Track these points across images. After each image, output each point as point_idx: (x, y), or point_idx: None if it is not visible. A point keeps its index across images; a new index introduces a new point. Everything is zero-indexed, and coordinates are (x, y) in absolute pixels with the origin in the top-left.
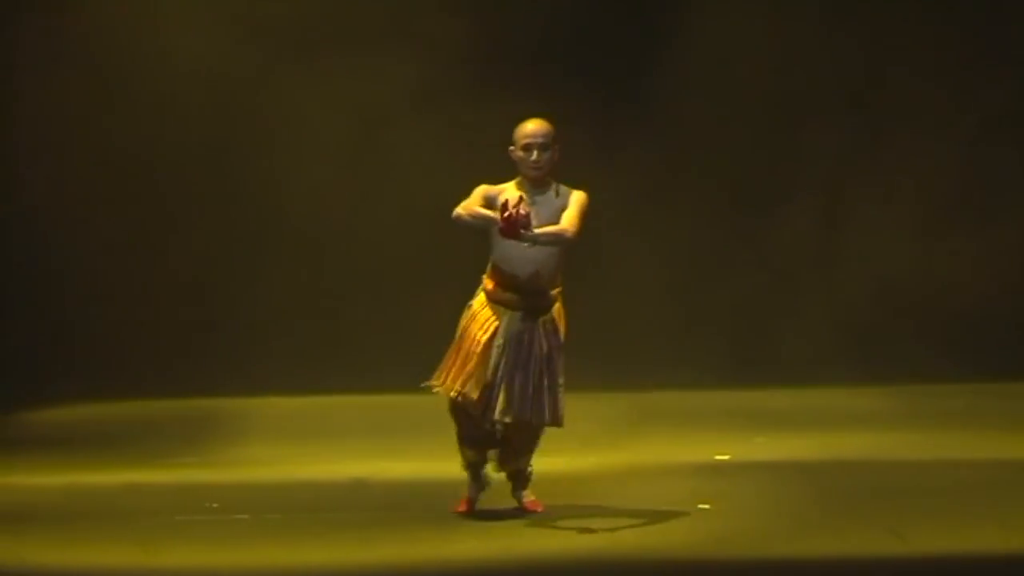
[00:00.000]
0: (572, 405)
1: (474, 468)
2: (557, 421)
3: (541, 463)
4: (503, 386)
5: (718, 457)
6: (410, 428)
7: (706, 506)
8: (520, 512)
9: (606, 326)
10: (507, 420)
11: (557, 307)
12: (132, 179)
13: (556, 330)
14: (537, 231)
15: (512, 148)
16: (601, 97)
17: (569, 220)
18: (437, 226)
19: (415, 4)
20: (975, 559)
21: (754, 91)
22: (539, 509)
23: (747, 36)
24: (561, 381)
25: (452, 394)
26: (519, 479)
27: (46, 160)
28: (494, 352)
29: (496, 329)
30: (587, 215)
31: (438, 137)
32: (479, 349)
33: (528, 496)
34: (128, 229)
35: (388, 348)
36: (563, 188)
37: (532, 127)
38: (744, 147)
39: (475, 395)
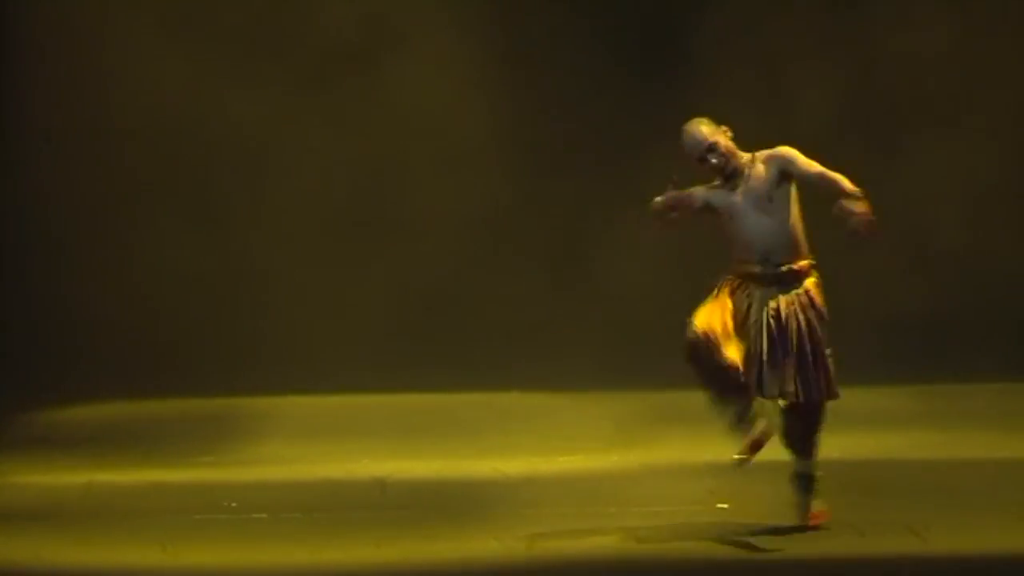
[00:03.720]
0: (588, 405)
1: (740, 416)
2: (832, 394)
3: (557, 464)
4: (769, 365)
5: (736, 457)
6: (430, 428)
7: (725, 505)
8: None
9: (621, 325)
10: (782, 401)
11: (811, 280)
12: (145, 174)
13: (812, 302)
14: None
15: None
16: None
17: (820, 172)
18: (454, 229)
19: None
20: (995, 558)
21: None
22: (821, 521)
23: None
24: (828, 352)
25: (698, 331)
26: (801, 483)
27: (49, 157)
28: (752, 327)
29: (751, 304)
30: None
31: (437, 147)
32: (738, 313)
33: (815, 506)
34: (145, 225)
35: (408, 348)
36: (763, 154)
37: (695, 139)
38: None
39: (718, 342)
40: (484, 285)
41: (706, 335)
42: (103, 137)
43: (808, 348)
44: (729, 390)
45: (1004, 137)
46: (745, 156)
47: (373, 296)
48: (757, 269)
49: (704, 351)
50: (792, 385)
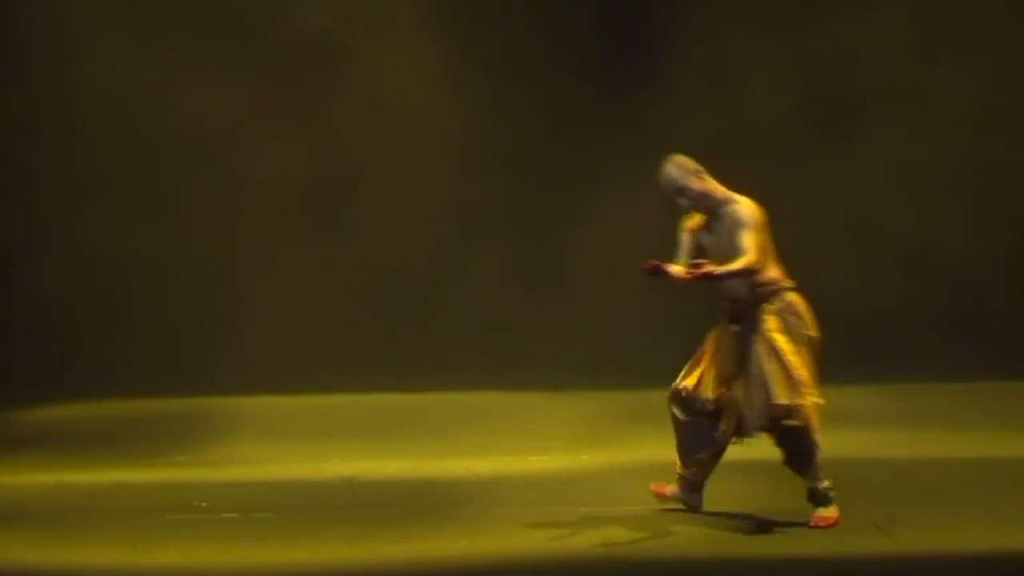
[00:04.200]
0: (558, 404)
1: (689, 483)
2: (781, 411)
3: (527, 464)
4: (746, 400)
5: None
6: (400, 428)
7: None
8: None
9: (591, 324)
10: (747, 431)
11: (771, 307)
12: (112, 172)
13: (768, 330)
14: (719, 269)
15: None
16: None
17: (742, 247)
18: (425, 229)
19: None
20: (963, 557)
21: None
22: (822, 525)
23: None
24: (793, 367)
25: (679, 386)
26: (810, 498)
27: (26, 158)
28: (721, 362)
29: (731, 339)
30: (756, 227)
31: (406, 146)
32: (707, 357)
33: (819, 511)
34: (115, 229)
35: (378, 348)
36: (730, 206)
37: (662, 180)
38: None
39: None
40: (454, 285)
41: (686, 390)
42: (72, 135)
43: (767, 372)
44: (699, 449)
45: (960, 130)
46: (721, 192)
47: (343, 296)
48: (728, 307)
49: (687, 403)
50: (751, 413)
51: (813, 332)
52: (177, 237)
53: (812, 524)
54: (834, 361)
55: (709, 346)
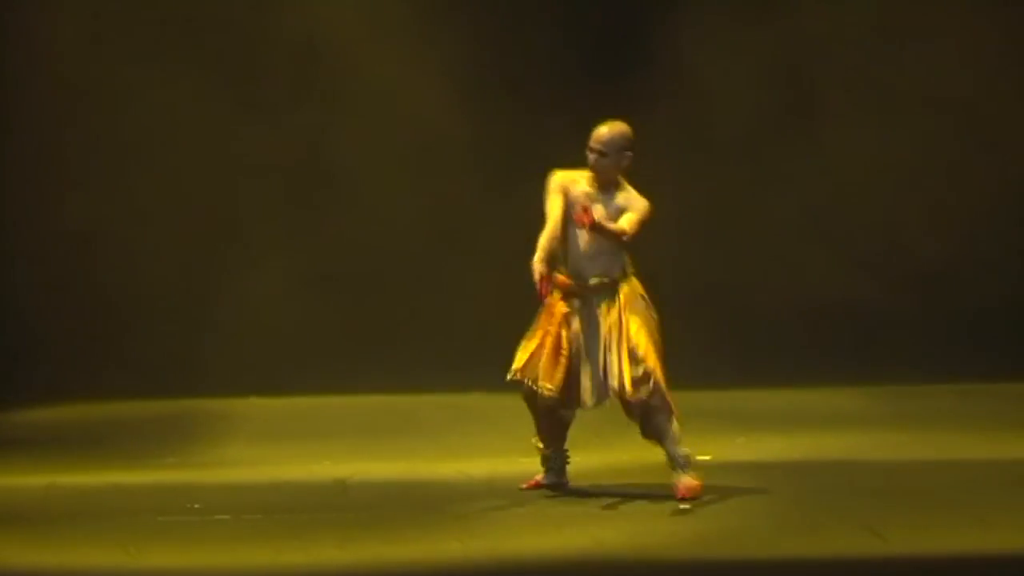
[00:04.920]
0: None
1: (549, 461)
2: (626, 392)
3: (519, 465)
4: (583, 373)
5: (699, 457)
6: (391, 429)
7: (686, 506)
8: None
9: None
10: (591, 405)
11: (625, 288)
12: (107, 173)
13: (618, 306)
14: (604, 224)
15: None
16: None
17: (628, 222)
18: (413, 231)
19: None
20: (955, 559)
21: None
22: (688, 495)
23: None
24: (639, 351)
25: (535, 386)
26: (670, 463)
27: (11, 156)
28: (571, 344)
29: (568, 321)
30: (646, 222)
31: (389, 148)
32: (553, 342)
33: (682, 480)
34: (105, 227)
35: (368, 349)
36: (631, 193)
37: (595, 133)
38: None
39: (553, 386)
40: (444, 286)
41: (547, 389)
42: (58, 137)
43: (615, 348)
44: (552, 430)
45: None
46: (622, 184)
47: (335, 297)
48: (578, 286)
49: (539, 401)
50: (603, 388)
51: (655, 313)
52: (168, 238)
53: (679, 495)
54: (820, 362)
55: (552, 331)
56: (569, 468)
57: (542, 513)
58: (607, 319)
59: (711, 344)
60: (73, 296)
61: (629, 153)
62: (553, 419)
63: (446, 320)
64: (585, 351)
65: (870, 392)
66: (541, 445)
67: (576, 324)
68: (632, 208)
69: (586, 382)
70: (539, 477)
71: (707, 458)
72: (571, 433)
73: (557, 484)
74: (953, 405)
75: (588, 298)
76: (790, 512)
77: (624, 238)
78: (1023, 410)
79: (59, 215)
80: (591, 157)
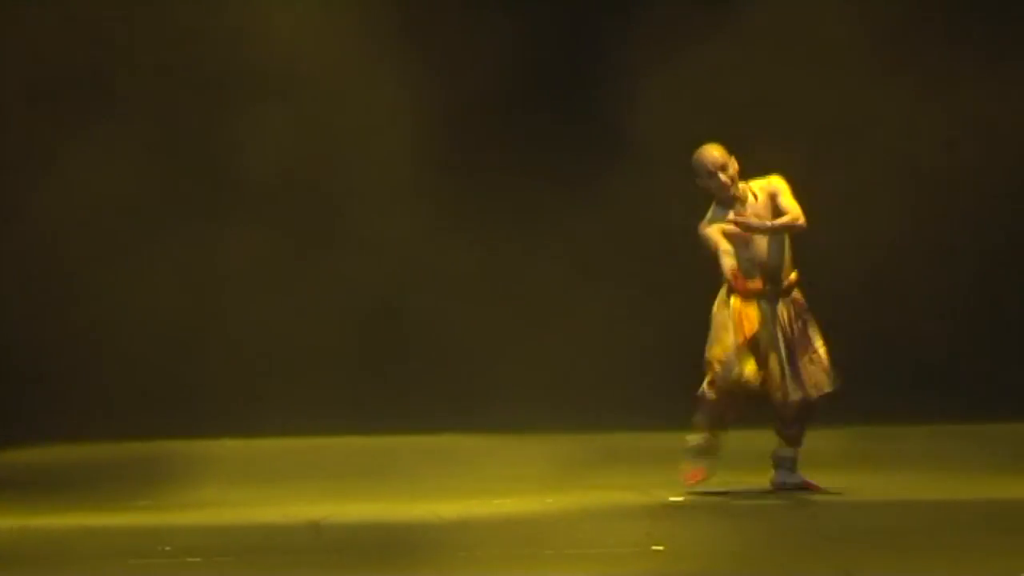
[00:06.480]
0: (524, 447)
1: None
2: (819, 390)
3: (494, 507)
4: (791, 371)
5: (672, 499)
6: (365, 471)
7: (660, 548)
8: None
9: (557, 367)
10: (794, 398)
11: (798, 290)
12: (81, 216)
13: (803, 308)
14: (771, 223)
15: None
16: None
17: (788, 208)
18: (387, 272)
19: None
20: None
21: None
22: (816, 488)
23: None
24: (821, 347)
25: (734, 376)
26: (783, 464)
27: None
28: (764, 340)
29: (757, 319)
30: (790, 191)
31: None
32: (748, 337)
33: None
34: (78, 268)
35: (343, 391)
36: (755, 185)
37: (703, 158)
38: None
39: (753, 379)
40: (419, 328)
41: (741, 376)
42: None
43: (805, 348)
44: (720, 422)
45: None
46: (742, 185)
47: (308, 339)
48: (766, 287)
49: (736, 389)
50: (790, 383)
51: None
52: (142, 282)
53: (810, 486)
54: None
55: (742, 326)
56: (549, 505)
57: (517, 555)
58: (791, 320)
59: (688, 388)
60: (46, 338)
61: (710, 176)
62: (735, 409)
63: (419, 362)
64: (775, 348)
65: (841, 433)
66: (703, 439)
67: (767, 324)
68: (776, 194)
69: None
70: (703, 470)
71: (680, 499)
72: (545, 473)
73: (707, 470)
74: (922, 446)
75: (776, 301)
76: (762, 553)
77: (800, 222)
78: (991, 452)
79: (30, 259)
80: (721, 178)
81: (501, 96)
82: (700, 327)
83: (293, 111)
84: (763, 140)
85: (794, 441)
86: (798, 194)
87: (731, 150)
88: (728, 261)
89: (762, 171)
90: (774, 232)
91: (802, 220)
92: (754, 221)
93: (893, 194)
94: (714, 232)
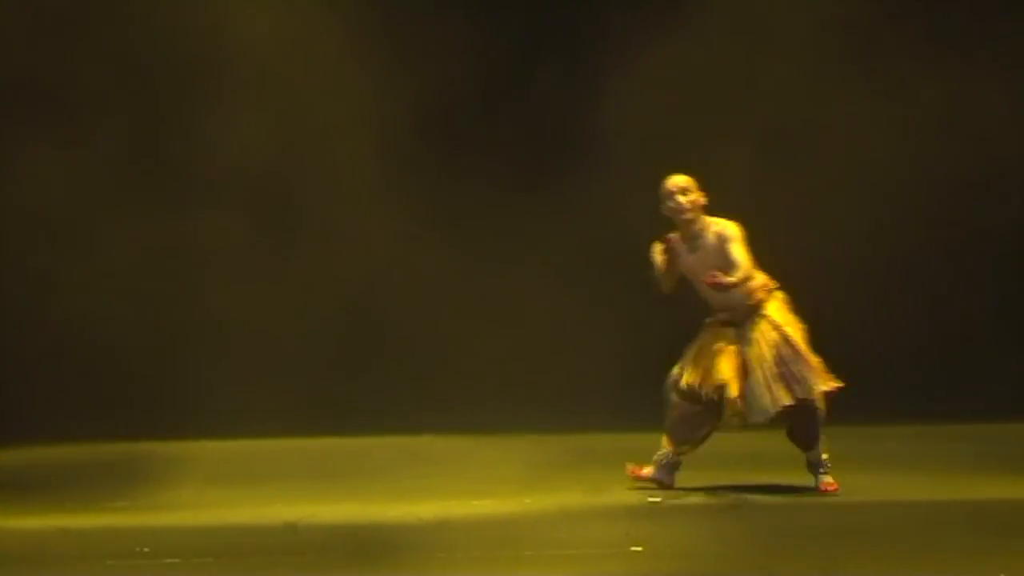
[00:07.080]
0: (502, 447)
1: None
2: (808, 394)
3: (472, 508)
4: (757, 386)
5: (651, 499)
6: (343, 472)
7: (639, 548)
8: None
9: (535, 367)
10: (760, 420)
11: (771, 304)
12: (57, 218)
13: (774, 325)
14: (726, 280)
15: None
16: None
17: (735, 259)
18: (364, 273)
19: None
20: None
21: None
22: (831, 489)
23: None
24: (804, 351)
25: (679, 384)
26: (812, 469)
27: None
28: (731, 358)
29: (729, 338)
30: (743, 241)
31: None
32: (719, 355)
33: (824, 479)
34: (56, 271)
35: (320, 392)
36: (712, 227)
37: (667, 185)
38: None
39: (695, 387)
40: (395, 329)
41: (689, 384)
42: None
43: (785, 357)
44: (691, 433)
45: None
46: (705, 220)
47: (285, 341)
48: (725, 316)
49: (688, 394)
50: (781, 393)
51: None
52: (117, 285)
53: (822, 488)
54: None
55: (707, 341)
56: (528, 506)
57: (495, 556)
58: (759, 338)
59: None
60: (25, 340)
61: (669, 196)
62: (694, 420)
63: (397, 363)
64: (745, 368)
65: (828, 432)
66: (663, 454)
67: (734, 343)
68: (722, 245)
69: (750, 397)
70: (647, 469)
71: (658, 500)
72: (523, 474)
73: (661, 482)
74: (901, 446)
75: (738, 324)
76: (742, 553)
77: (745, 281)
78: (975, 452)
79: (15, 259)
80: (680, 199)
81: (475, 99)
82: (674, 329)
83: (265, 113)
84: (736, 143)
85: (807, 447)
86: (774, 192)
87: (706, 154)
88: (658, 259)
89: (733, 172)
90: (728, 289)
91: (752, 282)
92: (720, 277)
93: (866, 192)
94: (655, 250)
